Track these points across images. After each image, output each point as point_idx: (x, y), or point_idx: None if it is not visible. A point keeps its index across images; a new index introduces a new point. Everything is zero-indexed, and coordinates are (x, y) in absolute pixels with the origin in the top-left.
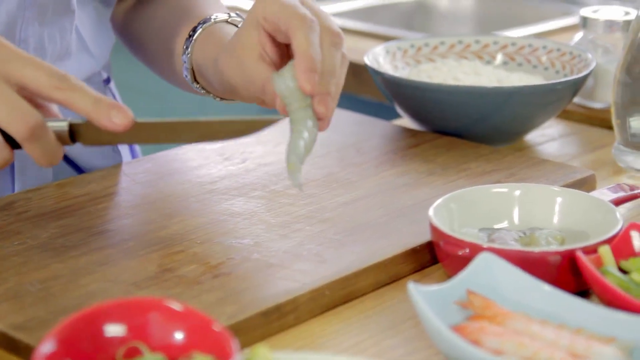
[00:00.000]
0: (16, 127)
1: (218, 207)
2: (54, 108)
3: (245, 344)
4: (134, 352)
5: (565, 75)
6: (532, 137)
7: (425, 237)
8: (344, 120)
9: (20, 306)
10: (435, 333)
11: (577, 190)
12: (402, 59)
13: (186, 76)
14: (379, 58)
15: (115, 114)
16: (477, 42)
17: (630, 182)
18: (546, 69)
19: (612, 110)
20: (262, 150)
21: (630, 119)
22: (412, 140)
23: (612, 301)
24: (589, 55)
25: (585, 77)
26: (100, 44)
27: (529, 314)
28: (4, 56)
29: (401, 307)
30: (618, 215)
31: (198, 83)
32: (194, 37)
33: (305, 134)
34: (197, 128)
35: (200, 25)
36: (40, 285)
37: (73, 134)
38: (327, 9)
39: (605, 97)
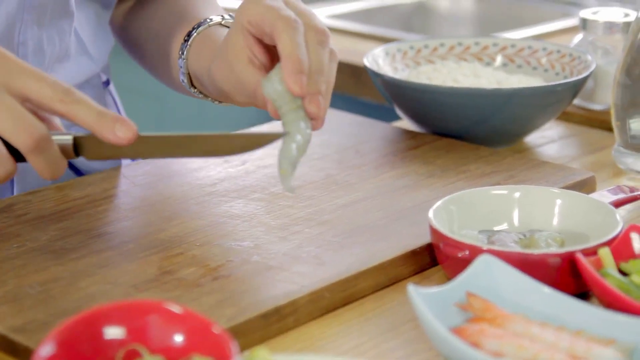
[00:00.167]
0: (21, 139)
1: (217, 209)
2: (57, 121)
3: (244, 347)
4: (134, 354)
5: (565, 77)
6: (532, 138)
7: (424, 239)
8: (343, 122)
9: (20, 309)
10: (435, 335)
11: (577, 192)
12: (402, 61)
13: (183, 81)
14: (379, 60)
15: (119, 128)
16: (476, 43)
17: (630, 183)
18: (546, 70)
19: (612, 112)
20: (261, 153)
21: (630, 121)
22: (411, 142)
23: (612, 303)
24: (589, 57)
25: (585, 79)
26: (99, 46)
27: (528, 316)
28: (8, 69)
29: (401, 309)
30: (618, 217)
31: (195, 87)
32: (189, 42)
33: (298, 137)
34: (201, 143)
35: (195, 30)
36: (40, 287)
37: (77, 147)
38: (326, 10)
39: (605, 98)
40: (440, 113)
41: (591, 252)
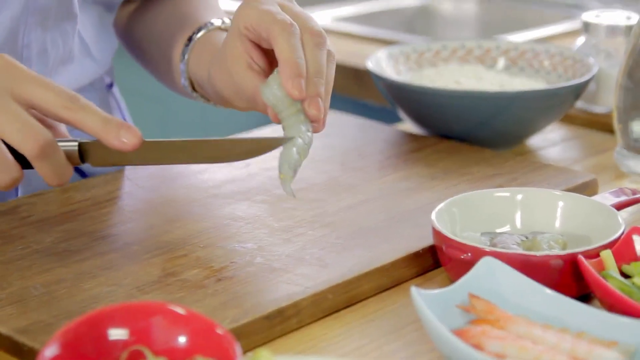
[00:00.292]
0: (27, 145)
1: (221, 211)
2: (63, 128)
3: (247, 348)
4: (138, 355)
5: (568, 80)
6: (534, 141)
7: (427, 241)
8: (347, 125)
9: (24, 310)
10: (437, 337)
11: (579, 195)
12: (405, 64)
13: (185, 85)
14: (382, 62)
15: (124, 134)
16: (479, 46)
17: (632, 186)
18: (548, 73)
19: (614, 114)
20: (265, 155)
21: (632, 124)
22: (414, 145)
23: (614, 305)
24: (591, 60)
25: (587, 82)
26: (102, 49)
27: (531, 318)
28: (14, 76)
29: (403, 311)
30: (620, 219)
31: (197, 92)
32: (190, 47)
33: (299, 141)
34: (206, 148)
35: (196, 34)
36: (44, 289)
37: (82, 153)
38: (330, 13)
39: (607, 101)
40: (442, 115)
41: (593, 254)
